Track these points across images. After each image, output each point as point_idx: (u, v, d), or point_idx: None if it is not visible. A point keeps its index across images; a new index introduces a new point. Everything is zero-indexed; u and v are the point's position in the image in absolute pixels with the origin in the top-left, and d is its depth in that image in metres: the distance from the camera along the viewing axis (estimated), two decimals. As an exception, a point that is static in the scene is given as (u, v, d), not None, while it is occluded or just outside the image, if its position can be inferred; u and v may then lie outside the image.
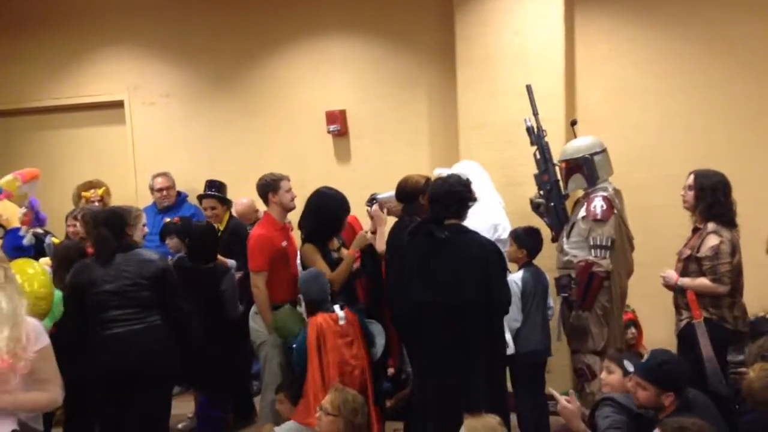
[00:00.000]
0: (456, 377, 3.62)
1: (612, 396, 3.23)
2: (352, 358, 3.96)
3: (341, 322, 3.95)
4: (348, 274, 4.32)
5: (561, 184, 4.59)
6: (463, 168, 4.67)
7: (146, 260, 3.92)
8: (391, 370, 4.83)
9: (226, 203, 5.55)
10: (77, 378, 3.69)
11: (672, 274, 4.09)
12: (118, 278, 3.82)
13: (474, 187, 4.13)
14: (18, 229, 3.59)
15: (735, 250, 3.97)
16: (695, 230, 4.12)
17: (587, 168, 4.35)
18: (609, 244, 4.20)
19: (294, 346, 4.06)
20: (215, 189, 5.55)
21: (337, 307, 3.99)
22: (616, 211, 4.27)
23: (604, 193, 4.30)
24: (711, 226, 3.99)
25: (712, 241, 3.95)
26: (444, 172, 4.53)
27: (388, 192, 4.60)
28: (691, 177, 4.10)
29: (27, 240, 3.59)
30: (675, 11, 5.19)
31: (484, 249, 3.69)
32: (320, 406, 3.47)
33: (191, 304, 4.05)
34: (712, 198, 3.99)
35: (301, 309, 4.24)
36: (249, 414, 5.08)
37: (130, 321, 3.80)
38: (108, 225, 3.95)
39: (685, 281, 4.02)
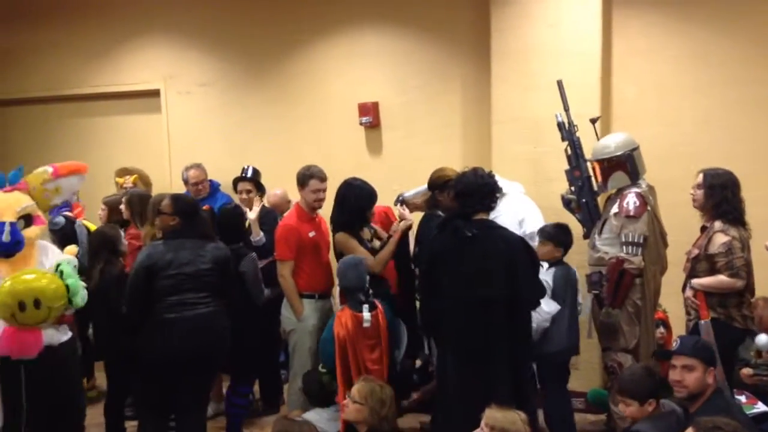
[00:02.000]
0: (481, 372, 3.62)
1: (639, 429, 3.21)
2: (371, 362, 3.97)
3: (366, 325, 3.94)
4: (390, 258, 4.35)
5: (593, 180, 4.55)
6: None
7: (217, 247, 4.05)
8: (417, 362, 4.86)
9: (261, 190, 5.62)
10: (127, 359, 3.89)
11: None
12: (197, 262, 3.92)
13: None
14: (15, 223, 3.58)
15: (744, 246, 3.96)
16: (703, 229, 4.10)
17: (630, 165, 4.31)
18: (641, 240, 4.16)
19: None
20: (252, 173, 5.62)
21: (365, 308, 3.97)
22: (649, 208, 4.23)
23: (638, 190, 4.26)
24: (718, 224, 3.98)
25: (721, 238, 3.94)
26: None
27: (414, 189, 4.61)
28: (701, 176, 4.09)
29: (5, 236, 3.58)
30: (715, 5, 5.08)
31: (512, 245, 3.67)
32: (348, 394, 3.50)
33: None
34: (722, 196, 3.98)
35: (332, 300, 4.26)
36: (276, 401, 5.14)
37: (199, 305, 3.88)
38: (184, 210, 4.05)
39: (702, 281, 3.99)
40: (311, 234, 4.56)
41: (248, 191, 5.52)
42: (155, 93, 6.79)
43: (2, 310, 3.35)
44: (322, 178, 4.60)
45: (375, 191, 4.53)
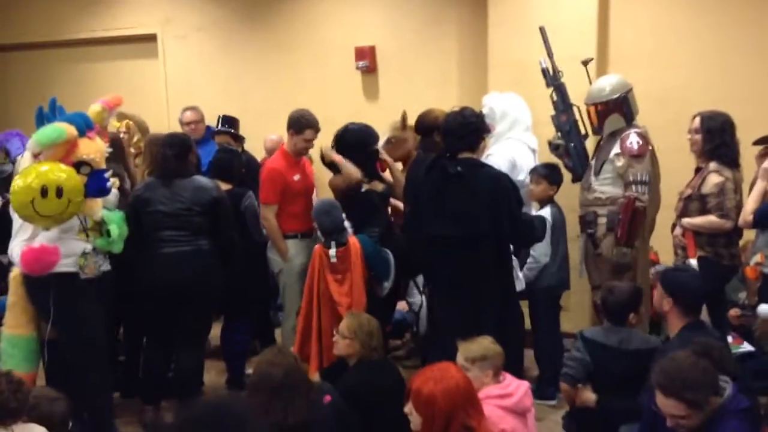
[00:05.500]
0: (467, 309, 3.68)
1: (585, 335, 3.37)
2: (339, 295, 4.09)
3: (332, 260, 4.07)
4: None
5: (579, 125, 4.56)
6: (504, 100, 4.66)
7: (202, 187, 4.09)
8: (404, 304, 4.95)
9: (239, 139, 5.61)
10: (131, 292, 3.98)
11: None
12: (173, 201, 3.99)
13: (505, 122, 4.14)
14: (104, 171, 3.60)
15: (737, 188, 4.01)
16: (697, 170, 4.14)
17: (625, 107, 4.32)
18: (648, 179, 4.21)
19: None
20: (228, 125, 5.60)
21: (332, 244, 4.10)
22: (650, 147, 4.27)
23: (638, 130, 4.29)
24: (713, 165, 4.03)
25: (715, 179, 3.99)
26: (492, 99, 4.55)
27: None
28: (697, 120, 4.11)
29: (111, 183, 3.71)
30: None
31: (497, 183, 3.69)
32: (337, 330, 3.58)
33: None
34: (720, 139, 4.01)
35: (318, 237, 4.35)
36: (272, 340, 5.25)
37: (180, 242, 3.98)
38: (172, 148, 4.09)
39: (692, 221, 4.04)
40: (296, 178, 4.59)
41: (227, 143, 5.50)
42: (152, 38, 6.77)
43: (25, 194, 3.40)
44: (317, 129, 4.60)
45: (374, 129, 4.55)
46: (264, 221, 4.54)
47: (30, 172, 3.45)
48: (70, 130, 3.51)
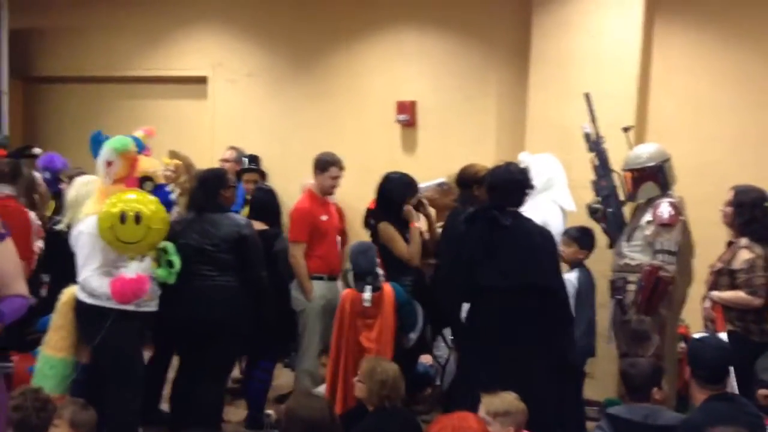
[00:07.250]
0: (518, 360, 3.62)
1: (609, 412, 3.27)
2: (367, 340, 4.09)
3: (365, 304, 4.08)
4: (421, 247, 4.49)
5: (619, 190, 4.58)
6: (539, 159, 4.72)
7: (231, 224, 4.12)
8: (428, 357, 4.93)
9: (264, 176, 5.78)
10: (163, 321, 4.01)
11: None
12: (202, 236, 4.05)
13: (539, 181, 4.19)
14: (165, 185, 3.79)
15: None
16: (729, 244, 4.14)
17: (661, 176, 4.35)
18: (676, 249, 4.22)
19: None
20: (255, 163, 5.74)
21: (367, 288, 4.11)
22: (682, 217, 4.28)
23: (671, 199, 4.31)
24: (744, 241, 4.02)
25: (746, 255, 3.98)
26: (528, 157, 4.62)
27: (426, 183, 4.77)
28: (731, 193, 4.12)
29: (174, 196, 3.84)
30: (755, 28, 5.10)
31: (544, 236, 3.72)
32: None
33: None
34: (750, 215, 4.02)
35: (349, 279, 4.38)
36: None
37: (206, 277, 4.02)
38: (204, 184, 4.20)
39: (721, 295, 4.02)
40: (323, 218, 4.70)
41: (255, 181, 5.63)
42: (203, 80, 7.00)
43: (106, 219, 3.55)
44: (342, 167, 4.74)
45: (414, 180, 4.64)
46: (292, 259, 4.59)
47: (113, 199, 3.61)
48: (132, 143, 3.71)
